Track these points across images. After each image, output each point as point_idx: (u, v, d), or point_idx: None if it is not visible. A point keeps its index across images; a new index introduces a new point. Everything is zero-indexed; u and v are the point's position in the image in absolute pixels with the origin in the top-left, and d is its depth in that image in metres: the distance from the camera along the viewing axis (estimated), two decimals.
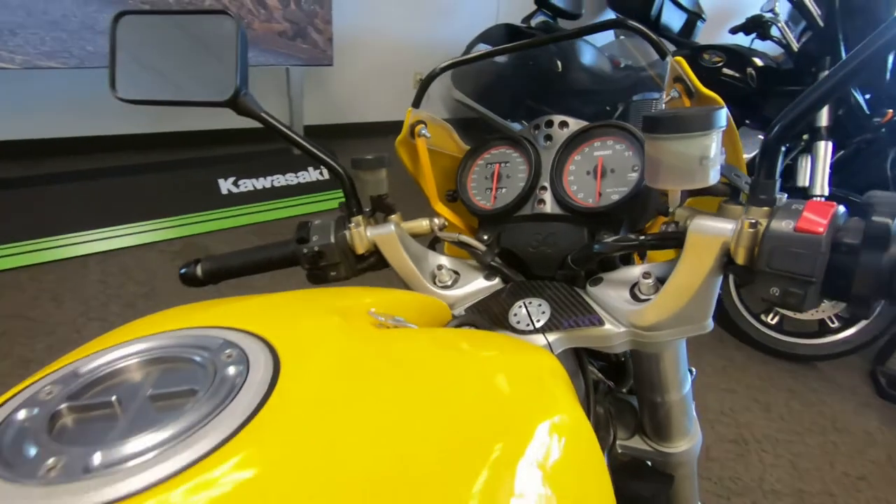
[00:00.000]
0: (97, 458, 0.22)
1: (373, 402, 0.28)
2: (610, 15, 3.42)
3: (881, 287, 0.33)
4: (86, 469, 0.22)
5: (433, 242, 0.66)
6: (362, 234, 0.60)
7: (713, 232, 0.42)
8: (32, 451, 0.24)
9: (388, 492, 0.23)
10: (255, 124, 0.58)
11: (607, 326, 0.50)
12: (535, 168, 0.60)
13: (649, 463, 0.68)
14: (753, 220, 0.39)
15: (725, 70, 2.18)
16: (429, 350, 0.38)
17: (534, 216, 0.59)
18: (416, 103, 0.65)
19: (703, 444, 0.78)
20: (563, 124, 0.60)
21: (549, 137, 0.61)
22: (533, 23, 3.19)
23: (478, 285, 0.59)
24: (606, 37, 3.27)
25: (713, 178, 0.42)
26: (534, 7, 3.18)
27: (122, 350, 0.30)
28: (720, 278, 0.45)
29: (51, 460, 0.23)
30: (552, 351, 0.51)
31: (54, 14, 2.29)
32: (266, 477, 0.22)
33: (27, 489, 0.21)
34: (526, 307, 0.53)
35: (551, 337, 0.51)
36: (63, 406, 0.26)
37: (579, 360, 0.59)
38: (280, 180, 2.91)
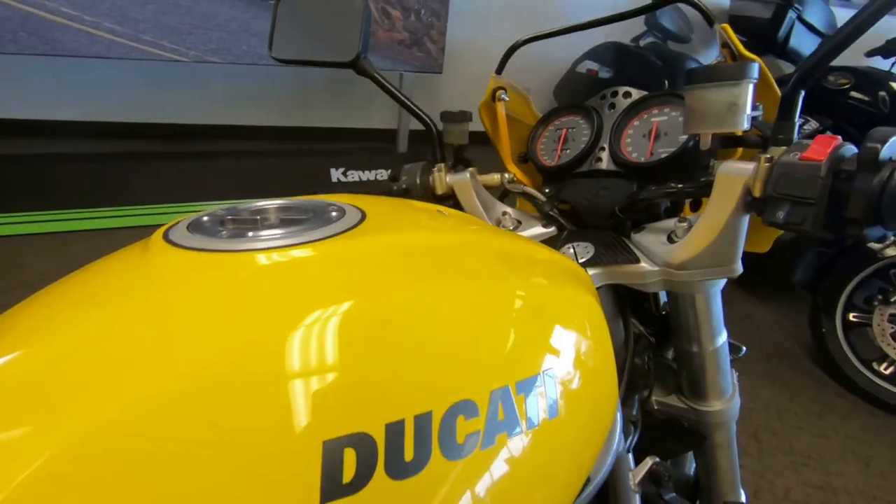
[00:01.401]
0: (250, 234, 0.35)
1: (432, 251, 0.38)
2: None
3: (872, 209, 0.37)
4: (244, 236, 0.35)
5: (503, 195, 0.75)
6: (443, 179, 0.71)
7: (737, 172, 0.47)
8: (214, 228, 0.37)
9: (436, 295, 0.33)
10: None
11: (642, 264, 0.56)
12: (597, 131, 0.67)
13: (685, 424, 0.71)
14: (769, 156, 0.44)
15: (853, 93, 2.03)
16: (481, 230, 0.47)
17: (591, 172, 0.67)
18: (499, 70, 0.76)
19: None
20: (627, 94, 0.67)
21: (612, 106, 0.68)
22: (642, 42, 3.16)
23: (536, 231, 0.67)
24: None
25: (741, 124, 0.47)
26: (644, 28, 3.16)
27: (261, 202, 0.43)
28: (745, 219, 0.49)
29: (224, 232, 0.36)
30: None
31: (220, 18, 2.73)
32: (365, 260, 0.34)
33: (212, 241, 0.34)
34: (574, 248, 0.60)
35: (591, 271, 0.58)
36: (227, 217, 0.39)
37: (622, 312, 0.65)
38: (381, 174, 3.19)
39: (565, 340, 0.39)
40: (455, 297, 0.34)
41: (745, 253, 0.73)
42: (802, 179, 0.40)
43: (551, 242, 0.63)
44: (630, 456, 0.61)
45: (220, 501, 0.24)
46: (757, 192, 0.45)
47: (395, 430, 0.28)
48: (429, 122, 0.71)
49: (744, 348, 0.78)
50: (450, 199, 0.72)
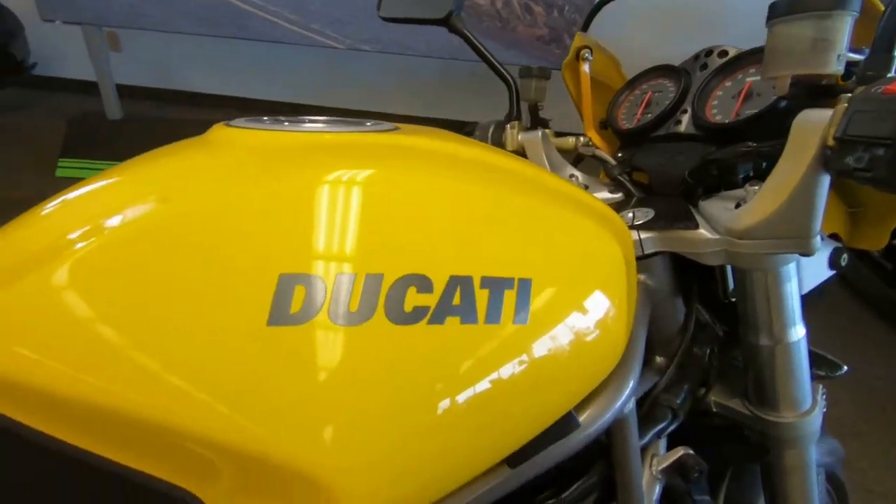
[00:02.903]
0: (288, 123, 0.40)
1: (448, 155, 0.40)
2: None
3: None
4: (287, 123, 0.39)
5: (577, 161, 0.73)
6: (514, 136, 0.71)
7: (815, 120, 0.40)
8: (267, 121, 0.41)
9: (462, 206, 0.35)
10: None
11: (701, 231, 0.51)
12: (682, 93, 0.62)
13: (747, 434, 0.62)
14: (850, 95, 0.37)
15: None
16: (516, 159, 0.46)
17: (668, 136, 0.61)
18: (585, 27, 0.73)
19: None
20: (723, 53, 0.61)
21: (705, 66, 0.62)
22: None
23: (602, 196, 0.64)
24: None
25: (830, 65, 0.40)
26: None
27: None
28: (823, 179, 0.42)
29: (286, 123, 0.40)
30: (642, 249, 0.54)
31: (373, 9, 2.98)
32: (383, 148, 0.37)
33: (264, 123, 0.39)
34: (633, 213, 0.57)
35: (644, 235, 0.54)
36: (280, 118, 0.44)
37: (685, 294, 0.59)
38: None
39: (558, 265, 0.38)
40: (450, 188, 0.36)
41: (855, 251, 0.61)
42: (879, 116, 0.33)
43: (613, 206, 0.60)
44: (662, 442, 0.56)
45: (200, 302, 0.30)
46: (829, 139, 0.38)
47: (344, 281, 0.30)
48: (508, 77, 0.71)
49: (844, 367, 0.65)
50: None
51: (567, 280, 0.38)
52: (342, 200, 0.32)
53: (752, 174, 0.54)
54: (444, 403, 0.33)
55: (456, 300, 0.32)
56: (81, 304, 0.31)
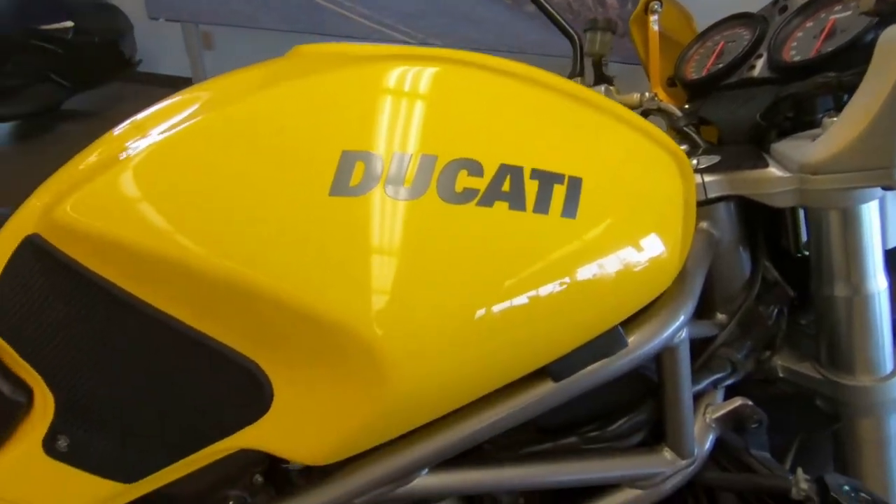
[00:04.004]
0: None
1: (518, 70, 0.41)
2: None
3: None
4: None
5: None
6: None
7: None
8: None
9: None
10: None
11: (771, 169, 0.49)
12: (758, 39, 0.59)
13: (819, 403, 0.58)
14: None
15: None
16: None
17: (739, 83, 0.59)
18: None
19: None
20: None
21: (784, 9, 0.59)
22: None
23: None
24: None
25: None
26: None
27: None
28: None
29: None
30: (705, 192, 0.52)
31: (447, 4, 3.04)
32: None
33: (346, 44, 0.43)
34: (699, 159, 0.55)
35: (708, 178, 0.52)
36: None
37: (752, 247, 0.57)
38: None
39: (612, 174, 0.39)
40: (508, 86, 0.38)
41: None
42: None
43: None
44: (719, 394, 0.54)
45: (272, 174, 0.34)
46: None
47: (400, 159, 0.33)
48: (572, 33, 0.71)
49: None
50: None
51: (620, 190, 0.39)
52: (404, 89, 0.34)
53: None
54: (490, 286, 0.34)
55: (505, 187, 0.34)
56: (170, 179, 0.36)
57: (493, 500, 0.59)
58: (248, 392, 0.40)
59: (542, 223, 0.35)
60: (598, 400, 0.50)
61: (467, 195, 0.33)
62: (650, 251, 0.41)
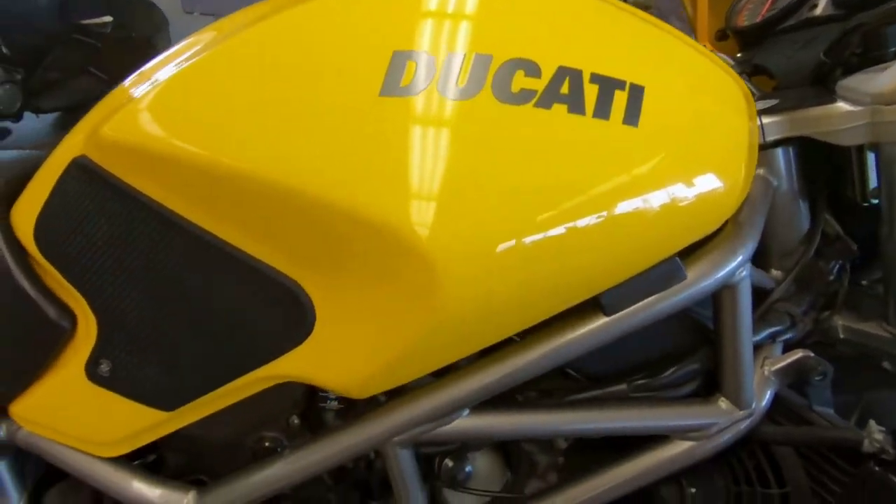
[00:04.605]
0: None
1: None
2: None
3: None
4: None
5: None
6: None
7: None
8: None
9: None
10: None
11: (839, 104, 0.46)
12: None
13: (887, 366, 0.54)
14: None
15: None
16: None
17: (798, 24, 0.56)
18: None
19: None
20: None
21: None
22: None
23: None
24: None
25: None
26: None
27: None
28: None
29: None
30: (763, 135, 0.49)
31: None
32: None
33: None
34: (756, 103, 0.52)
35: (766, 119, 0.49)
36: None
37: (811, 197, 0.54)
38: None
39: (677, 88, 0.37)
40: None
41: None
42: None
43: None
44: (778, 348, 0.51)
45: (323, 76, 0.33)
46: None
47: (453, 58, 0.31)
48: None
49: None
50: None
51: (685, 107, 0.37)
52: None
53: None
54: (546, 193, 0.32)
55: (564, 89, 0.32)
56: (215, 88, 0.35)
57: (531, 462, 0.57)
58: (290, 315, 0.39)
59: (603, 129, 0.33)
60: (647, 347, 0.48)
61: (524, 96, 0.32)
62: (712, 179, 0.39)
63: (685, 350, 0.48)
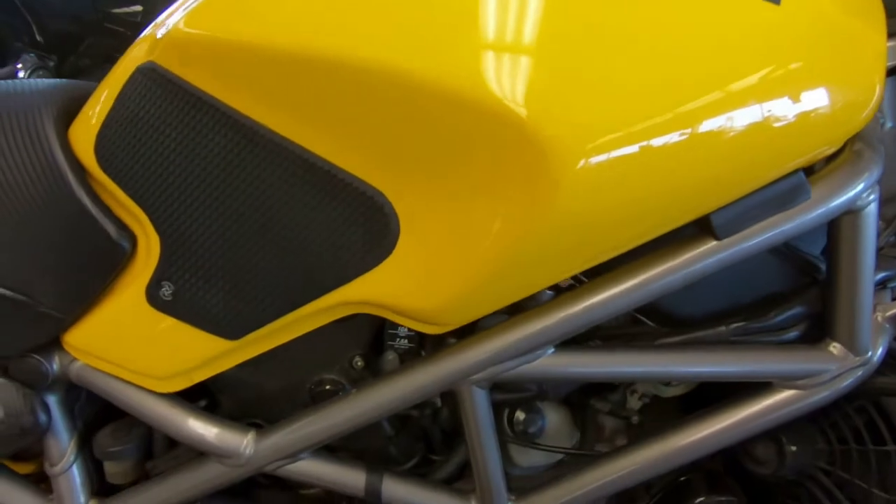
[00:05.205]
0: None
1: None
2: None
3: None
4: None
5: None
6: None
7: None
8: None
9: None
10: None
11: None
12: None
13: None
14: None
15: None
16: None
17: None
18: None
19: None
20: None
21: None
22: None
23: None
24: None
25: None
26: None
27: None
28: None
29: None
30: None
31: None
32: None
33: None
34: None
35: (893, 42, 0.45)
36: None
37: None
38: None
39: None
40: None
41: None
42: None
43: None
44: (886, 293, 0.46)
45: None
46: None
47: None
48: None
49: None
50: None
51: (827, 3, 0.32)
52: None
53: None
54: (672, 84, 0.29)
55: None
56: None
57: (600, 422, 0.53)
58: (371, 229, 0.36)
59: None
60: (747, 288, 0.44)
61: None
62: (846, 90, 0.35)
63: (789, 292, 0.43)
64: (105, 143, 0.38)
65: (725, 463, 0.55)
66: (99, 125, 0.39)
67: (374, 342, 0.46)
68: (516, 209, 0.31)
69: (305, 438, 0.44)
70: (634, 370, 0.42)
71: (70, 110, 0.41)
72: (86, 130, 0.39)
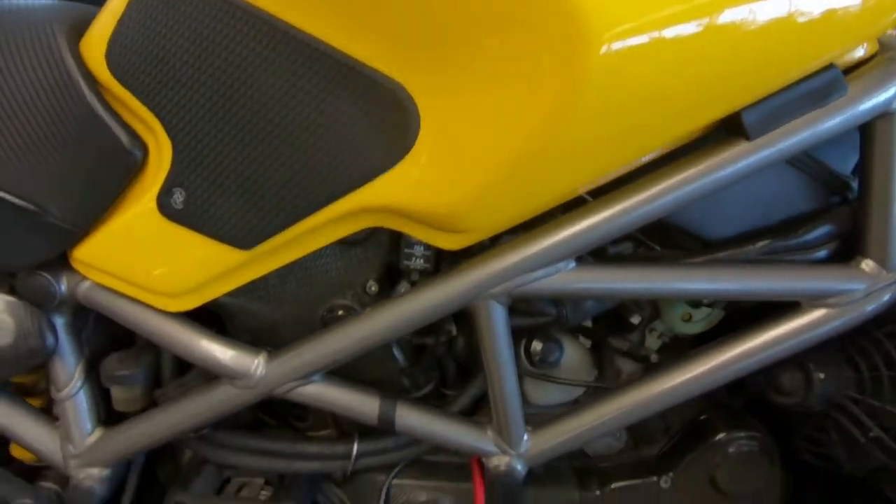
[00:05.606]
0: None
1: None
2: None
3: None
4: None
5: None
6: None
7: None
8: None
9: None
10: None
11: None
12: None
13: None
14: None
15: None
16: None
17: None
18: None
19: None
20: None
21: None
22: None
23: None
24: None
25: None
26: None
27: None
28: None
29: None
30: None
31: None
32: None
33: None
34: None
35: None
36: None
37: None
38: None
39: None
40: None
41: None
42: None
43: None
44: None
45: None
46: None
47: None
48: None
49: None
50: None
51: None
52: None
53: None
54: None
55: None
56: None
57: (617, 361, 0.52)
58: (391, 124, 0.34)
59: None
60: (774, 205, 0.42)
61: None
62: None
63: (820, 210, 0.42)
64: (116, 51, 0.38)
65: (746, 403, 0.53)
66: (110, 33, 0.38)
67: (388, 268, 0.45)
68: (543, 97, 0.30)
69: (318, 359, 0.43)
70: (657, 286, 0.40)
71: (78, 28, 0.40)
72: (98, 39, 0.38)
